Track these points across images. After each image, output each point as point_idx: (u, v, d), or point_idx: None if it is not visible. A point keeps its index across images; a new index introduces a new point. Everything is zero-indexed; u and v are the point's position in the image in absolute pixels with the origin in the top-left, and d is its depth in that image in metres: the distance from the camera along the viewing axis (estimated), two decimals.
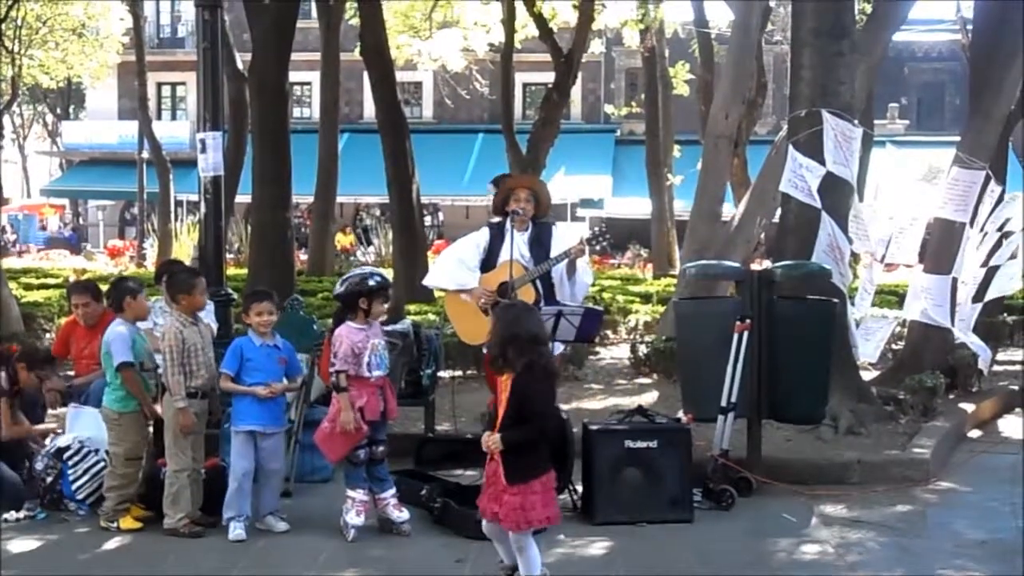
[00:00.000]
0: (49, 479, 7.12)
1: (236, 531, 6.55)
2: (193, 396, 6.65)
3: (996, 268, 9.74)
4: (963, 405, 10.20)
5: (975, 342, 9.63)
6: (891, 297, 14.71)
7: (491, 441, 5.38)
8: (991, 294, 9.93)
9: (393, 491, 6.74)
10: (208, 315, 7.71)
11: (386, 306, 6.70)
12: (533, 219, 7.77)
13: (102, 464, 7.04)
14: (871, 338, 9.28)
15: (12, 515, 6.94)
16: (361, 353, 6.52)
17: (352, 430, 6.44)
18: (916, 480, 7.86)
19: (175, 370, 6.60)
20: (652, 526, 6.81)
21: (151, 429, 7.06)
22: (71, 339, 8.45)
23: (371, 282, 6.65)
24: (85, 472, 7.11)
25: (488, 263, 7.78)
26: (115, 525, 6.72)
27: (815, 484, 7.71)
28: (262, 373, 6.74)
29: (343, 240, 32.34)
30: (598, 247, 8.32)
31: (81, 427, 7.37)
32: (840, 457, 8.12)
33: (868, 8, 13.68)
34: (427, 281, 8.24)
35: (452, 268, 7.78)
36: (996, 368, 11.98)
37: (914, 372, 10.06)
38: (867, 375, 10.69)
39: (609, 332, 14.05)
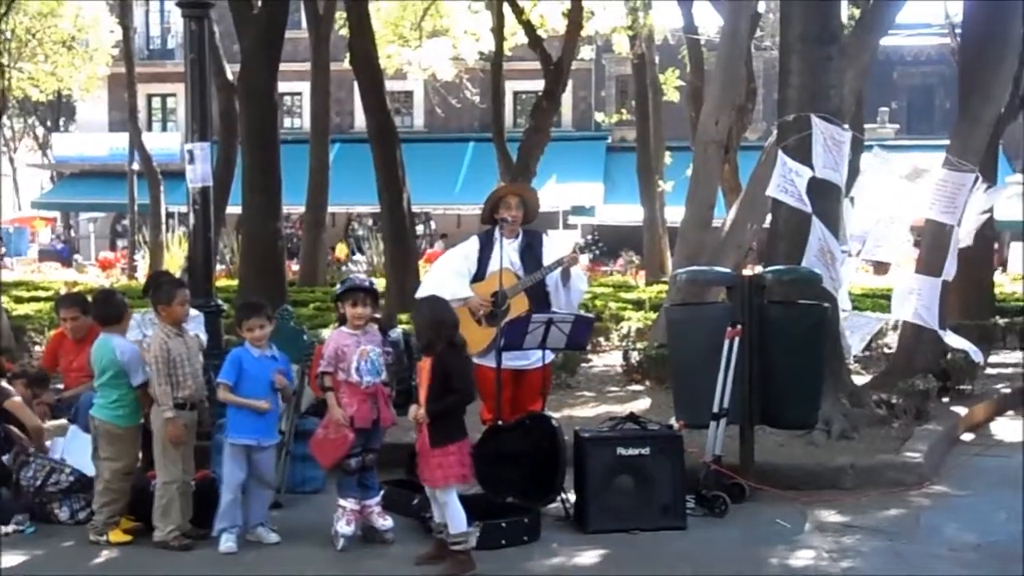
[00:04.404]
0: (39, 482, 7.09)
1: (227, 543, 6.50)
2: (181, 407, 6.60)
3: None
4: (956, 408, 10.20)
5: (963, 344, 9.66)
6: (883, 301, 14.70)
7: (419, 415, 6.18)
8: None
9: (378, 499, 6.72)
10: (198, 326, 7.68)
11: (360, 309, 6.62)
12: (522, 227, 7.75)
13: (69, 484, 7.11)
14: (856, 332, 9.29)
15: (0, 529, 6.89)
16: (347, 358, 6.51)
17: (344, 424, 6.45)
18: (909, 484, 7.84)
19: (162, 381, 6.55)
20: (645, 534, 6.77)
21: None
22: (59, 352, 8.42)
23: (339, 287, 6.80)
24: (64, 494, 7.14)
25: (479, 273, 7.75)
26: (104, 539, 6.66)
27: (808, 489, 7.70)
28: (254, 385, 6.70)
29: (340, 250, 32.42)
30: (591, 254, 8.31)
31: (73, 451, 7.34)
32: (833, 462, 8.10)
33: (856, 13, 13.69)
34: (419, 295, 8.14)
35: (444, 279, 7.73)
36: (988, 371, 12.01)
37: (907, 375, 10.06)
38: (860, 379, 10.69)
39: (601, 339, 14.03)
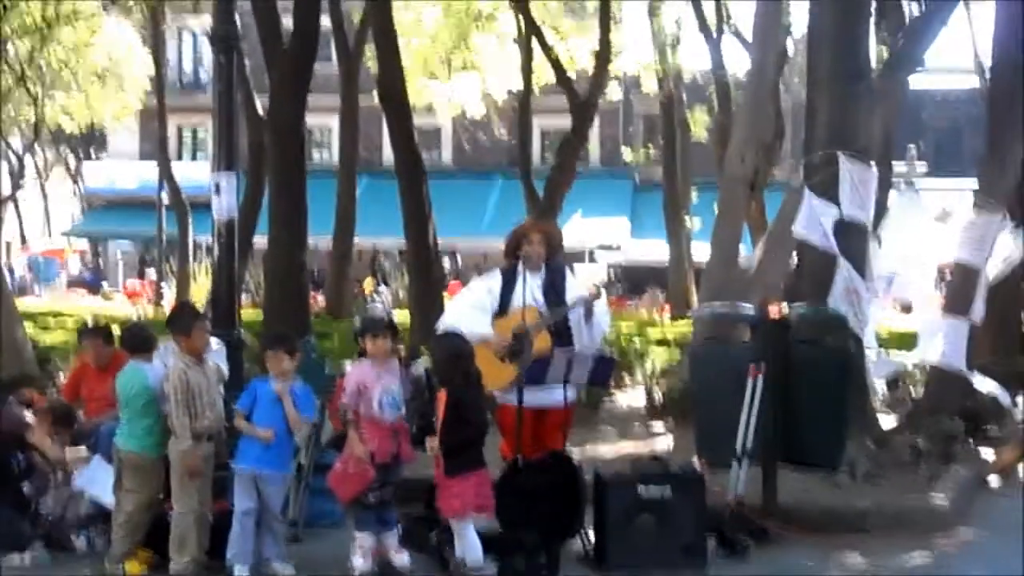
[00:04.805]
0: (58, 510, 7.11)
1: (241, 575, 6.47)
2: (199, 438, 6.60)
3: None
4: (983, 451, 10.06)
5: (990, 386, 9.55)
6: (910, 341, 14.54)
7: (432, 445, 6.38)
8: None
9: (395, 534, 6.70)
10: (219, 357, 7.66)
11: (381, 343, 6.68)
12: (545, 262, 7.70)
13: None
14: (881, 371, 9.24)
15: (15, 558, 6.88)
16: (369, 391, 6.50)
17: (364, 458, 6.44)
18: (935, 528, 7.72)
19: (180, 412, 6.55)
20: (665, 574, 6.69)
21: None
22: (82, 381, 8.45)
23: (357, 322, 6.86)
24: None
25: (501, 308, 7.68)
26: (121, 569, 6.64)
27: (832, 532, 7.58)
28: (263, 415, 6.70)
29: (368, 284, 32.55)
30: (614, 293, 8.28)
31: (93, 480, 7.32)
32: (857, 504, 8.00)
33: (884, 52, 13.66)
34: (440, 327, 8.09)
35: (463, 314, 7.67)
36: (1017, 413, 11.83)
37: (933, 417, 9.93)
38: (886, 420, 10.57)
39: (625, 375, 13.94)
